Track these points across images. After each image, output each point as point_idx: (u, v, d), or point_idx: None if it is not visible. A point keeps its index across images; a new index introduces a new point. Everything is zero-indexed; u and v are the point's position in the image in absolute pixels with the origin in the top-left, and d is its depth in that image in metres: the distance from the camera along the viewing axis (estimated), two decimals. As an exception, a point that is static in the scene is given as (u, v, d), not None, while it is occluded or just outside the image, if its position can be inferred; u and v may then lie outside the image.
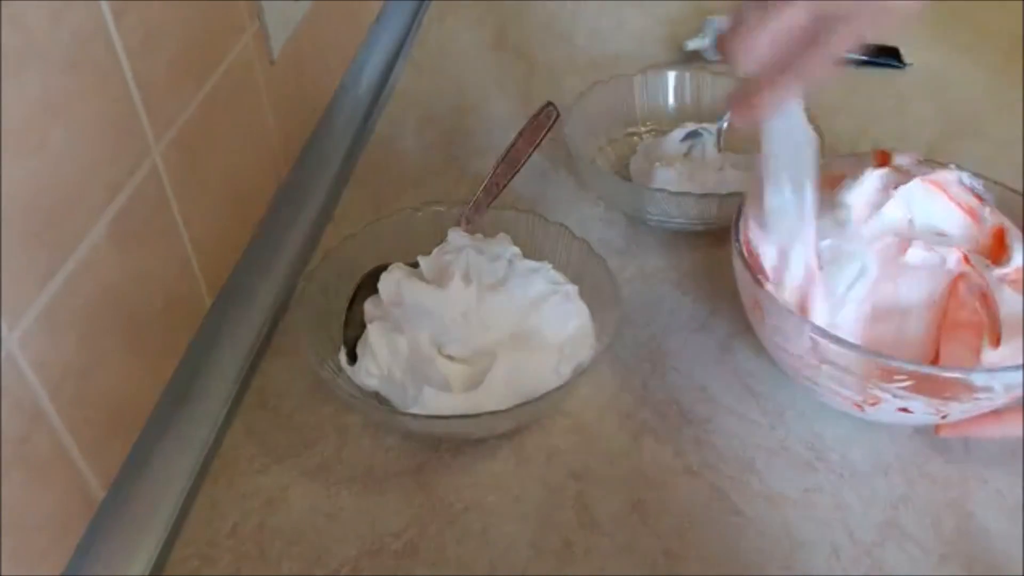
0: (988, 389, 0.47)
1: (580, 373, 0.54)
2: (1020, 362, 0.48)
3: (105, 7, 0.45)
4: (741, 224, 0.55)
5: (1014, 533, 0.50)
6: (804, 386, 0.55)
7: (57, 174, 0.42)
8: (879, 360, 0.48)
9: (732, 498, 0.52)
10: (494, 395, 0.53)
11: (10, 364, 0.40)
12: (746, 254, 0.54)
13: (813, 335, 0.49)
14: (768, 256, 0.53)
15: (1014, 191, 0.57)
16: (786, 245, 0.52)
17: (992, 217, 0.55)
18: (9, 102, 0.38)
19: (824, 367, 0.50)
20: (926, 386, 0.48)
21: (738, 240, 0.55)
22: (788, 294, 0.52)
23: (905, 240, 0.53)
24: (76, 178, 0.44)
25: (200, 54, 0.56)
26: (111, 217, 0.47)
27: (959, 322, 0.50)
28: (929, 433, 0.54)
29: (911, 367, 0.47)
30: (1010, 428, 0.50)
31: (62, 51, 0.42)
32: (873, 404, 0.51)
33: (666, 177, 0.70)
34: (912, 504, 0.51)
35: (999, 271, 0.52)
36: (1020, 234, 0.54)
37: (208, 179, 0.58)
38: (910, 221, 0.55)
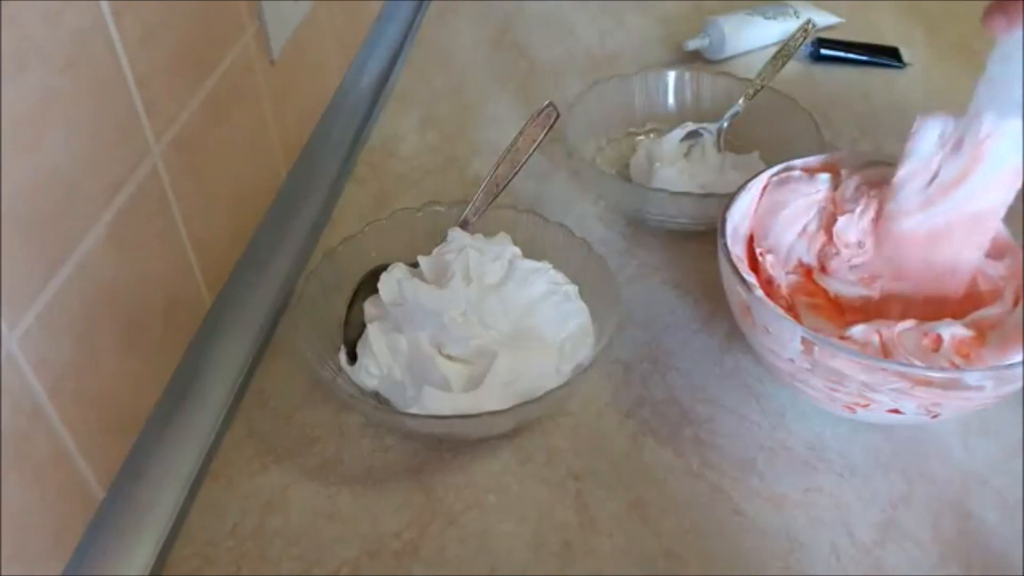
0: (980, 388, 0.47)
1: (580, 373, 0.54)
2: (1009, 359, 0.48)
3: (105, 7, 0.45)
4: (728, 225, 0.56)
5: (1014, 533, 0.50)
6: (793, 389, 0.54)
7: (57, 174, 0.42)
8: (871, 362, 0.47)
9: (733, 498, 0.52)
10: (494, 395, 0.53)
11: (10, 364, 0.40)
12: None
13: (804, 337, 0.49)
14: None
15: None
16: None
17: None
18: (8, 102, 0.38)
19: (815, 370, 0.50)
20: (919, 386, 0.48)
21: (724, 240, 0.55)
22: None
23: None
24: (76, 178, 0.44)
25: (200, 54, 0.56)
26: (111, 217, 0.47)
27: None
28: (929, 432, 0.54)
29: (904, 368, 0.47)
30: None
31: (61, 50, 0.42)
32: (865, 406, 0.51)
33: (666, 177, 0.70)
34: (912, 504, 0.51)
35: None
36: None
37: (208, 179, 0.58)
38: None
